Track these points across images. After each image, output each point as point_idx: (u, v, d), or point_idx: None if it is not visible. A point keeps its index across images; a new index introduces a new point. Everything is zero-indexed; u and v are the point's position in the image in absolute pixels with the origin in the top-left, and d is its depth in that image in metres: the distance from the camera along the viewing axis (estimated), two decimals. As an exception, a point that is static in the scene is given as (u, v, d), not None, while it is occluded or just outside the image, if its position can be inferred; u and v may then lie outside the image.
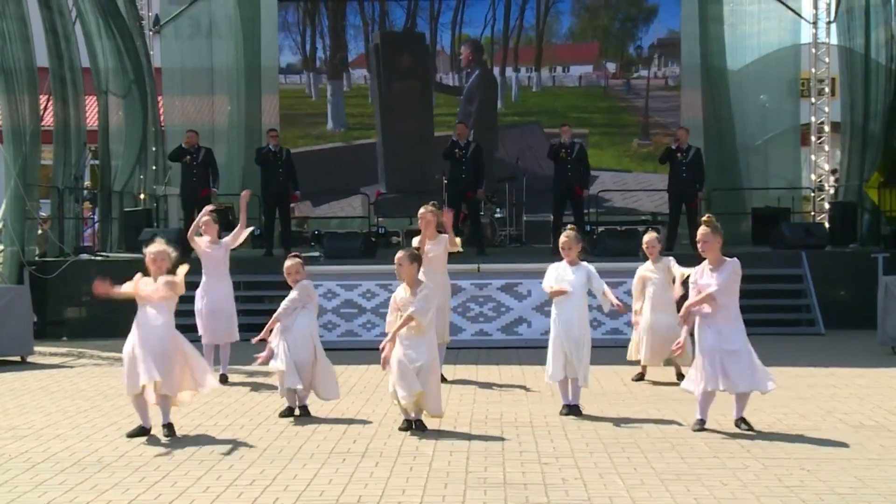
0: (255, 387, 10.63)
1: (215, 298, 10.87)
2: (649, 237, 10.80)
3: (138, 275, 8.25)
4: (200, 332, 10.88)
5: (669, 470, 6.96)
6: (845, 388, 10.26)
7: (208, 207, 11.26)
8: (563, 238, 9.04)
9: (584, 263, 9.00)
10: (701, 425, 8.18)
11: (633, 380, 10.74)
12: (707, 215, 8.45)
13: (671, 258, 10.65)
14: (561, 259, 9.04)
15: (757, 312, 14.34)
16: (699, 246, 8.28)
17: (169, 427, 8.17)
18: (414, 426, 8.27)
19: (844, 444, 7.69)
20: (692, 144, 16.87)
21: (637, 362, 10.82)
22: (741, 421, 8.16)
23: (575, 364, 8.78)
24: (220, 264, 11.01)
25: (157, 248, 8.26)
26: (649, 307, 10.63)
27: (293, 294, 9.00)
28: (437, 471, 7.00)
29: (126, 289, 8.19)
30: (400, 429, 8.28)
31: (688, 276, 8.86)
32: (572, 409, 8.91)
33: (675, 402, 9.48)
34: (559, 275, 8.93)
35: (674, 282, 10.37)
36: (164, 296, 8.11)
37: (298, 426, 8.56)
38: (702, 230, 8.22)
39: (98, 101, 18.75)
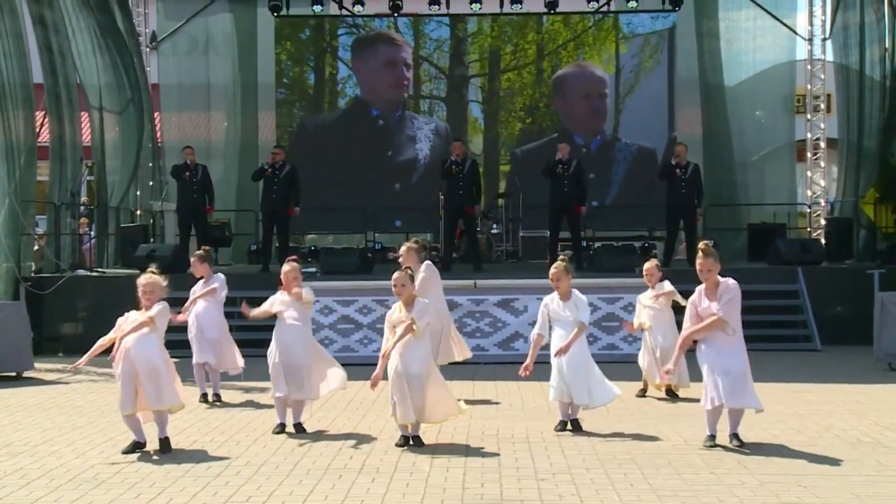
0: (251, 403, 10.61)
1: (204, 323, 10.74)
2: (650, 265, 10.79)
3: (122, 319, 8.32)
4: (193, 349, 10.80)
5: (666, 486, 6.95)
6: (842, 404, 10.25)
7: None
8: (552, 270, 9.00)
9: (576, 294, 8.98)
10: (712, 441, 8.16)
11: (636, 396, 10.71)
12: (703, 242, 8.41)
13: (668, 283, 10.63)
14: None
15: (753, 328, 14.26)
16: (702, 275, 8.20)
17: (165, 441, 8.15)
18: (411, 442, 8.27)
19: (841, 461, 7.69)
20: (690, 161, 16.92)
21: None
22: (734, 437, 8.16)
23: (577, 390, 8.80)
24: (213, 294, 10.90)
25: (146, 279, 8.26)
26: (648, 332, 10.65)
27: (308, 296, 9.02)
28: (433, 487, 6.99)
29: (107, 338, 8.31)
30: (396, 444, 8.27)
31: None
32: (572, 424, 8.91)
33: (672, 418, 9.49)
34: (553, 310, 8.93)
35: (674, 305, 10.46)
36: (142, 325, 8.17)
37: (294, 442, 8.55)
38: (702, 260, 8.17)
39: (90, 117, 18.71)
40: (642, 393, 10.77)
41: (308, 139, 22.22)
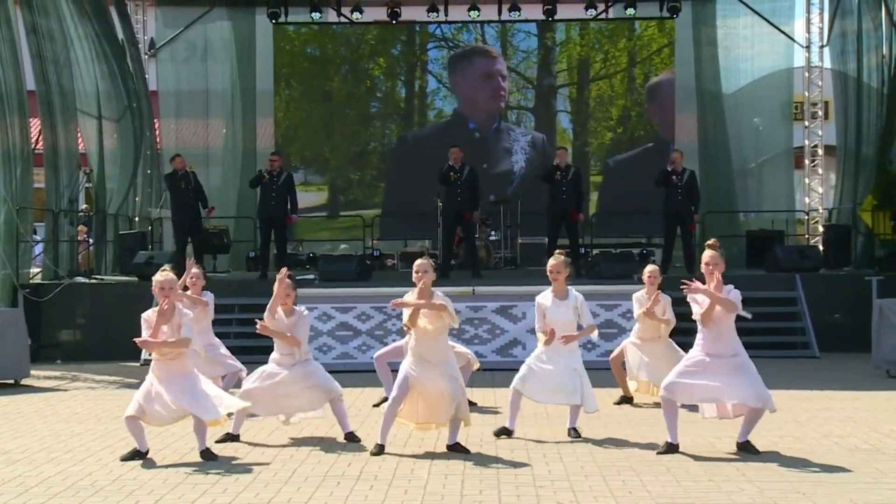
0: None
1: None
2: (653, 268, 10.64)
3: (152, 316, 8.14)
4: None
5: (665, 493, 6.94)
6: (840, 411, 10.25)
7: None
8: (551, 262, 9.00)
9: (574, 293, 8.97)
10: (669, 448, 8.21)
11: (615, 403, 10.72)
12: (713, 240, 8.43)
13: (669, 299, 10.54)
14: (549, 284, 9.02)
15: (751, 335, 14.27)
16: (705, 268, 8.20)
17: (207, 452, 8.14)
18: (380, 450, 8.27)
19: (840, 468, 7.68)
20: (686, 167, 16.94)
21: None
22: (746, 444, 8.21)
23: (571, 392, 8.80)
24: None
25: (163, 276, 8.21)
26: (634, 339, 10.60)
27: (301, 330, 8.76)
28: (431, 494, 6.98)
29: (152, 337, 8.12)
30: (371, 452, 8.25)
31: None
32: (573, 432, 8.92)
33: (671, 425, 9.47)
34: (549, 309, 8.90)
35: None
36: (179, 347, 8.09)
37: (292, 449, 8.54)
38: (710, 253, 8.20)
39: (88, 124, 18.69)
40: (622, 399, 10.77)
41: (408, 152, 22.21)
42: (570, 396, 8.84)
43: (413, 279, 8.33)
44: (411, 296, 8.28)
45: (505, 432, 8.94)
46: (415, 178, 20.96)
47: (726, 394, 8.07)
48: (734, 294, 8.12)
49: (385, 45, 22.80)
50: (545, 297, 8.96)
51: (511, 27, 22.35)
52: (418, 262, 8.38)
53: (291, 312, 8.78)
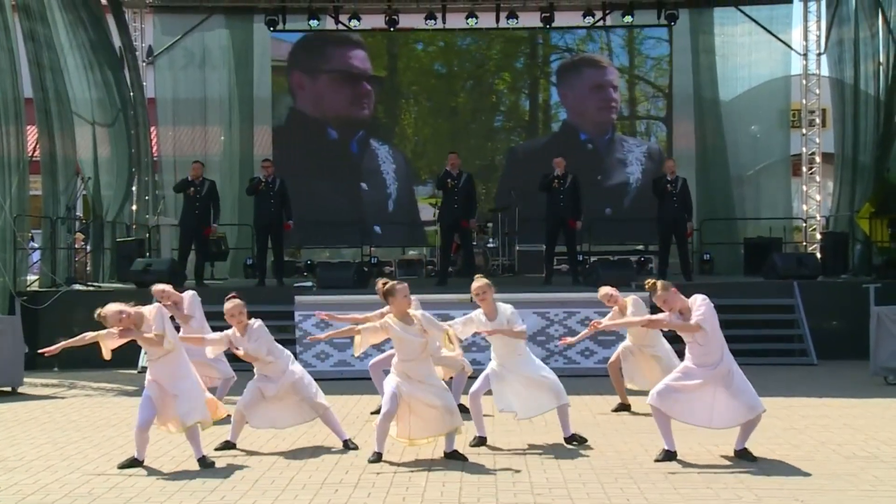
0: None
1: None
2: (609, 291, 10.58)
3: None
4: None
5: (663, 501, 6.94)
6: (838, 418, 10.24)
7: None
8: (476, 284, 9.02)
9: (501, 308, 8.93)
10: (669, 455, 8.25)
11: (612, 410, 10.71)
12: (648, 281, 8.45)
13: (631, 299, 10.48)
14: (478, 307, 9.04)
15: (749, 342, 14.37)
16: (663, 305, 8.22)
17: (204, 460, 8.14)
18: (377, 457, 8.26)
19: (838, 475, 7.68)
20: (678, 175, 16.98)
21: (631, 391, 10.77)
22: (744, 452, 8.21)
23: (538, 400, 8.87)
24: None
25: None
26: (628, 342, 10.58)
27: (257, 343, 8.69)
28: (429, 501, 6.97)
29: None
30: (369, 461, 8.23)
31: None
32: (576, 438, 8.91)
33: (668, 432, 9.47)
34: (484, 324, 8.95)
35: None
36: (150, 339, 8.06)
37: (290, 457, 8.53)
38: (657, 294, 8.23)
39: (78, 131, 18.64)
40: (620, 406, 10.76)
41: (518, 165, 21.96)
42: (547, 403, 8.90)
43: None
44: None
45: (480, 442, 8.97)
46: (525, 192, 20.12)
47: (716, 420, 8.13)
48: (699, 302, 8.12)
49: (508, 59, 22.77)
50: (480, 314, 9.01)
51: (639, 33, 22.04)
52: (401, 285, 8.40)
53: (245, 330, 8.73)
